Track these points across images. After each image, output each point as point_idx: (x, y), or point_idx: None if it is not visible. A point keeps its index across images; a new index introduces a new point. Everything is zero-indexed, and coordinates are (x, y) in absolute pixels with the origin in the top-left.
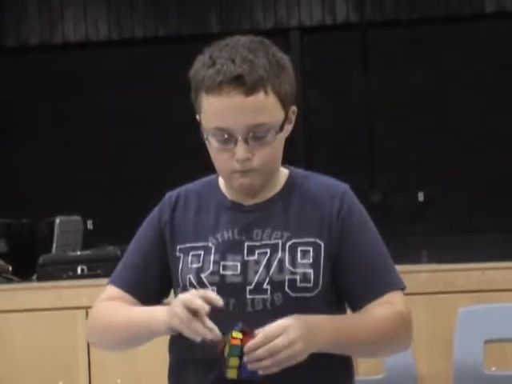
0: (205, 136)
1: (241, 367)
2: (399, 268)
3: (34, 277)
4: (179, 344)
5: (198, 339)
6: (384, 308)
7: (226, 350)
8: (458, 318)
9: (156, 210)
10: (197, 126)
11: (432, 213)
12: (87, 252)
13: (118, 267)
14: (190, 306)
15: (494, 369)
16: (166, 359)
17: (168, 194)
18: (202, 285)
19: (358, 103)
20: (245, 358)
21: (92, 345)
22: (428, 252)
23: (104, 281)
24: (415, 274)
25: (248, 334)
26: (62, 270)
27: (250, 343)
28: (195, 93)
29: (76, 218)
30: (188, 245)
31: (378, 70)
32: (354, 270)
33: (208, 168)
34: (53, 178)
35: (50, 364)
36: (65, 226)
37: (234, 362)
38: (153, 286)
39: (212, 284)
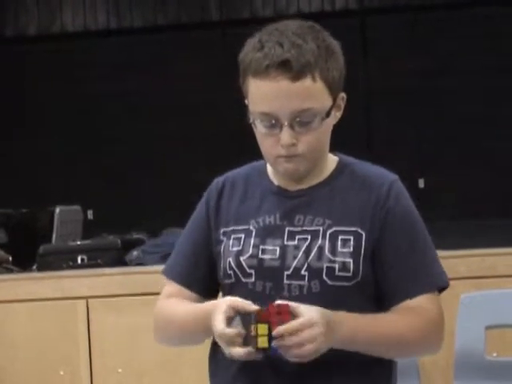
0: (251, 120)
1: (270, 343)
2: None
3: (34, 267)
4: None
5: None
6: (415, 312)
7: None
8: (459, 305)
9: (204, 197)
10: (199, 113)
11: (432, 200)
12: (87, 242)
13: (171, 258)
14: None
15: (495, 355)
16: (167, 350)
17: (215, 180)
18: (240, 268)
19: (357, 90)
20: (274, 342)
21: (161, 344)
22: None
23: (104, 270)
24: None
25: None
26: (62, 260)
27: (279, 328)
28: (243, 76)
29: (76, 207)
30: (231, 228)
31: (377, 56)
32: (393, 263)
33: (212, 158)
34: (52, 167)
35: (51, 354)
36: (65, 216)
37: (262, 329)
38: (206, 275)
39: (250, 267)
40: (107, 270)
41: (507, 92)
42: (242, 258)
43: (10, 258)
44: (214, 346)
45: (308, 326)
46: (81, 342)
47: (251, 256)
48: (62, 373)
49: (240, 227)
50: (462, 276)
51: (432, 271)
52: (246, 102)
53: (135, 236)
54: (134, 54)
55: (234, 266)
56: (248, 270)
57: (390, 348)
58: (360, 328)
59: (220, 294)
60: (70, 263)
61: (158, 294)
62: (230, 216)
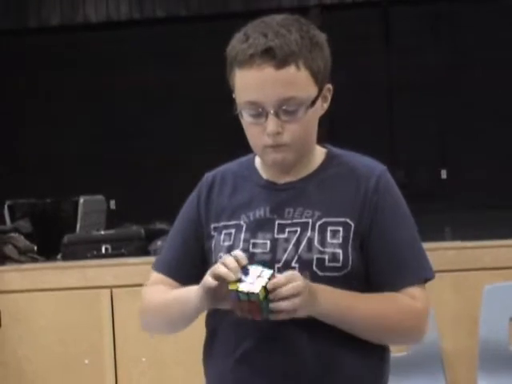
0: (238, 111)
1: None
2: (424, 246)
3: (59, 256)
4: (213, 317)
5: (229, 275)
6: (400, 297)
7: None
8: (484, 295)
9: (194, 192)
10: (221, 104)
11: (455, 190)
12: (111, 231)
13: (162, 252)
14: (216, 274)
15: None
16: (191, 338)
17: (206, 175)
18: None
19: (380, 81)
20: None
21: (145, 331)
22: (452, 229)
23: (128, 260)
24: (441, 252)
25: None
26: (86, 250)
27: (271, 282)
28: (229, 69)
29: (100, 197)
30: (222, 223)
31: (399, 47)
32: (382, 255)
33: (231, 147)
34: (76, 158)
35: (76, 343)
36: (88, 206)
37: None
38: (194, 269)
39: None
40: (131, 260)
41: None
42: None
43: (35, 248)
44: (210, 337)
45: (292, 279)
46: (105, 331)
47: (242, 250)
48: (86, 362)
49: (231, 222)
50: (487, 267)
51: (420, 263)
52: (234, 95)
53: (158, 226)
54: (156, 45)
55: None
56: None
57: (369, 327)
58: (341, 297)
59: None
60: (95, 253)
61: None
62: (220, 211)
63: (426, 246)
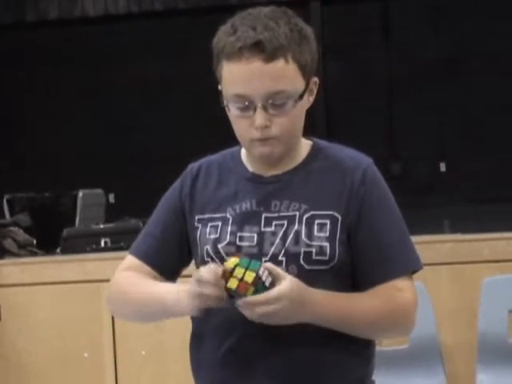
0: (225, 104)
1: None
2: (423, 239)
3: (58, 250)
4: (196, 318)
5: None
6: (389, 294)
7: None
8: (483, 288)
9: (178, 181)
10: (219, 97)
11: (454, 183)
12: (110, 225)
13: (139, 237)
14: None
15: None
16: (190, 331)
17: (190, 166)
18: (218, 255)
19: (380, 74)
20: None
21: (110, 313)
22: (450, 223)
23: (127, 253)
24: (439, 245)
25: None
26: (85, 243)
27: (247, 298)
28: (216, 61)
29: (98, 191)
30: (207, 216)
31: (399, 40)
32: (370, 247)
33: (230, 140)
34: (75, 151)
35: (75, 336)
36: (87, 200)
37: (239, 272)
38: (171, 257)
39: (228, 255)
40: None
41: None
42: (219, 246)
43: (34, 242)
44: (195, 339)
45: (274, 301)
46: (105, 324)
47: (229, 243)
48: (86, 355)
49: (217, 215)
50: (485, 259)
51: (408, 255)
52: (220, 87)
53: None
54: (155, 39)
55: (211, 254)
56: (226, 258)
57: (361, 328)
58: (332, 307)
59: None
60: (94, 246)
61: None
62: (205, 203)
63: (424, 239)
